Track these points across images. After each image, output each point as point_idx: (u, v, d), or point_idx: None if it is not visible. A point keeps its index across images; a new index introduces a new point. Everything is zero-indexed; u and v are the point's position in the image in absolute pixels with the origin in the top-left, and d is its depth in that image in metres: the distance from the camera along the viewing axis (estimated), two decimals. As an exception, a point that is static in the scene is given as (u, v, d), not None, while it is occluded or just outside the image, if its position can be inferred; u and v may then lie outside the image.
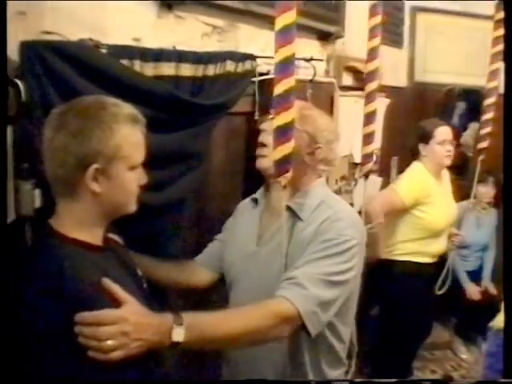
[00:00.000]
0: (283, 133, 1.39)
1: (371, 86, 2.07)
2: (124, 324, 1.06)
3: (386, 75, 3.70)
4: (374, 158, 2.26)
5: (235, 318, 1.30)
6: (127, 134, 1.21)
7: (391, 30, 3.71)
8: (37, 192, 1.35)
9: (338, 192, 3.04)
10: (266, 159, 1.57)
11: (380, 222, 2.29)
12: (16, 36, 1.43)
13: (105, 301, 1.09)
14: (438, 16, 4.34)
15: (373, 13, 2.01)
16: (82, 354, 1.05)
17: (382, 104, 3.44)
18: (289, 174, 1.43)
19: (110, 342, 1.03)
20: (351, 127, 2.93)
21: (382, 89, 3.28)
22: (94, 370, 1.06)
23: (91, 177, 1.17)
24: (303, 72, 2.63)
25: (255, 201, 1.68)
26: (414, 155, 3.05)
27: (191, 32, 2.01)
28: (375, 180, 3.30)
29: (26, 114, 1.39)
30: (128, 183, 1.24)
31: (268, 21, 2.43)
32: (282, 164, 1.41)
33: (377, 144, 3.46)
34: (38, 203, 1.35)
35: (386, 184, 3.34)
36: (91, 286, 1.10)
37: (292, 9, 1.34)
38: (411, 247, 2.96)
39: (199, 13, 2.01)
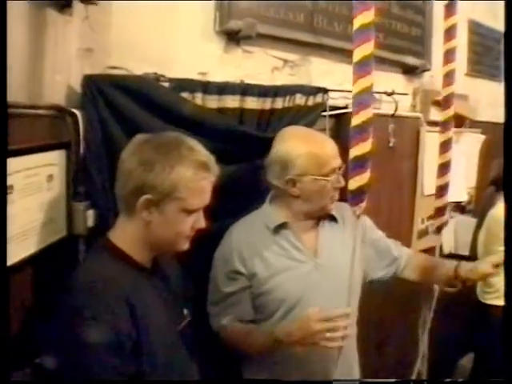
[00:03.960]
0: (360, 164, 1.40)
1: (447, 113, 1.97)
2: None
3: (484, 110, 3.50)
4: (448, 191, 2.11)
5: None
6: (187, 179, 1.22)
7: (489, 64, 3.52)
8: (90, 212, 1.42)
9: (424, 232, 2.87)
10: None
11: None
12: (83, 71, 1.54)
13: (122, 317, 1.13)
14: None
15: (448, 36, 1.92)
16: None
17: (476, 140, 3.24)
18: (363, 204, 1.43)
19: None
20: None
21: (475, 124, 3.11)
22: None
23: (142, 205, 1.21)
24: (386, 106, 2.57)
25: (281, 227, 1.65)
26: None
27: (260, 66, 2.04)
28: (468, 221, 3.09)
29: (85, 141, 1.47)
30: (178, 224, 1.25)
31: (344, 54, 2.41)
32: (358, 195, 1.41)
33: (471, 183, 3.27)
34: (90, 223, 1.41)
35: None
36: (114, 299, 1.13)
37: (370, 40, 1.33)
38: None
39: (268, 47, 2.04)
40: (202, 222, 1.29)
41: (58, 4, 1.44)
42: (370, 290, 2.51)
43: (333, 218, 1.71)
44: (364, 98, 1.35)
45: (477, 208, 3.21)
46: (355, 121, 1.37)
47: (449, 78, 1.95)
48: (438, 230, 2.17)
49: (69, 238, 1.40)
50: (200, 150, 1.27)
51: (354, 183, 1.40)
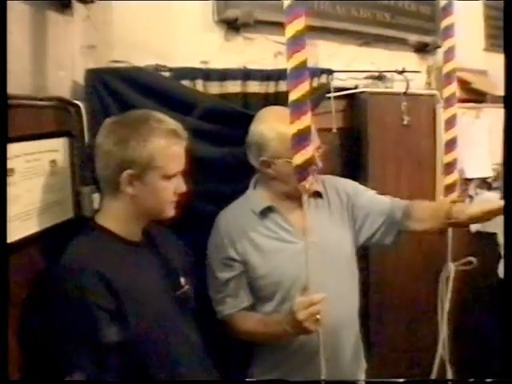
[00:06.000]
0: (302, 138, 1.39)
1: (450, 89, 1.96)
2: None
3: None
4: (458, 167, 2.09)
5: None
6: (162, 147, 1.34)
7: None
8: (96, 195, 1.53)
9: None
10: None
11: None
12: (87, 66, 1.66)
13: (109, 289, 1.23)
14: None
15: (446, 13, 1.92)
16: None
17: (500, 115, 3.17)
18: (311, 178, 1.44)
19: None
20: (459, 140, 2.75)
21: (497, 99, 3.06)
22: None
23: (126, 181, 1.32)
24: (399, 85, 2.58)
25: (267, 210, 1.67)
26: None
27: (262, 52, 2.11)
28: (491, 196, 3.04)
29: (89, 130, 1.58)
30: (161, 191, 1.36)
31: (349, 36, 2.45)
32: (305, 169, 1.42)
33: (496, 158, 3.21)
34: (96, 205, 1.52)
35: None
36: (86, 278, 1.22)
37: (301, 16, 1.36)
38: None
39: (269, 33, 2.10)
40: (182, 186, 1.40)
41: (58, 5, 1.56)
42: (394, 268, 2.55)
43: (318, 194, 1.72)
44: (300, 72, 1.37)
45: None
46: (293, 95, 1.36)
47: (449, 54, 1.93)
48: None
49: (76, 219, 1.51)
50: (167, 120, 1.38)
51: (299, 158, 1.38)
